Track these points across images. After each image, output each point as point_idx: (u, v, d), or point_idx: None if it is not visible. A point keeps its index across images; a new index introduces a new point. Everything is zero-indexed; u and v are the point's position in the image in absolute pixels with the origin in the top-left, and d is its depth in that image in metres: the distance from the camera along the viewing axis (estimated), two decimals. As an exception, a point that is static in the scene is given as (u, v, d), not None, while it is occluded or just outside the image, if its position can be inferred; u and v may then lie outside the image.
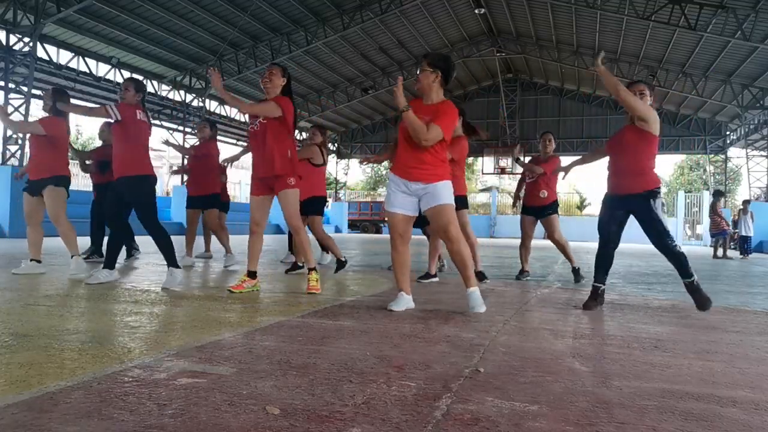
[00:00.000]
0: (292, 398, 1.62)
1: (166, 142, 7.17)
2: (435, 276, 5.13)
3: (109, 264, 4.25)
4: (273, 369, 1.92)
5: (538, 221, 5.74)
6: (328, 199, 19.45)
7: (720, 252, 12.61)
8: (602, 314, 3.48)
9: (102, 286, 4.05)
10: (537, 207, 5.65)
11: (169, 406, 1.52)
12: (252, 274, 3.97)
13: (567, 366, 2.12)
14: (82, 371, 1.82)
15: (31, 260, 4.80)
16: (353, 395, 1.66)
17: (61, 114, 4.76)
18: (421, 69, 3.32)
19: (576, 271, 5.55)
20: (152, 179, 4.29)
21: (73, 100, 5.15)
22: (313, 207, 5.77)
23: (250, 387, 1.71)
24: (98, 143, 7.36)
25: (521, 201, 5.95)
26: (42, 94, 4.84)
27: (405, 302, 3.37)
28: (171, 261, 4.17)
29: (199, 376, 1.80)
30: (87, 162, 6.55)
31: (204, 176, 6.27)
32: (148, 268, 5.65)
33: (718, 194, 13.36)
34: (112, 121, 4.18)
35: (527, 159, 7.93)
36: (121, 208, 4.30)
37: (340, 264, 5.47)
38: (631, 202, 3.48)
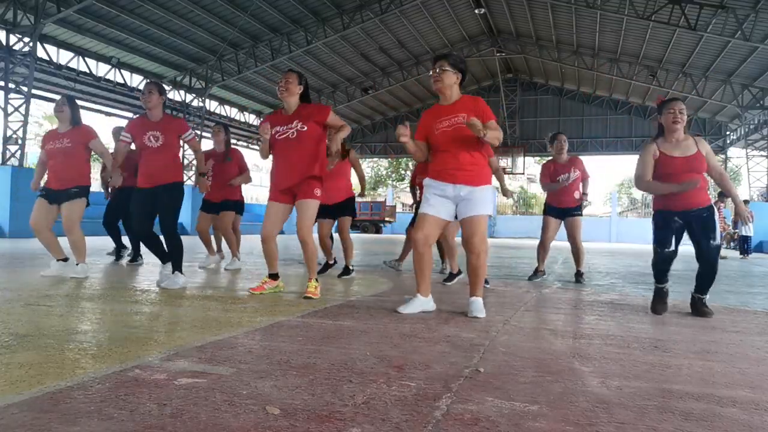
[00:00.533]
0: (292, 398, 1.62)
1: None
2: (460, 273, 5.00)
3: (179, 267, 4.25)
4: (273, 369, 1.92)
5: (559, 225, 5.76)
6: None
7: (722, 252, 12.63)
8: (602, 314, 3.48)
9: (102, 286, 4.07)
10: (565, 208, 5.66)
11: (169, 406, 1.52)
12: (273, 276, 3.96)
13: (567, 366, 2.12)
14: (82, 371, 1.82)
15: (57, 260, 4.72)
16: (353, 395, 1.66)
17: (80, 121, 4.76)
18: (442, 69, 3.30)
19: (579, 275, 5.58)
20: (183, 185, 4.39)
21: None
22: (349, 208, 5.60)
23: (250, 387, 1.71)
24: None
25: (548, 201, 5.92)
26: (59, 101, 4.74)
27: (419, 305, 3.31)
28: (177, 265, 4.22)
29: (199, 376, 1.80)
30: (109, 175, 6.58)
31: (225, 182, 6.01)
32: (147, 268, 5.65)
33: (722, 196, 13.38)
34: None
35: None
36: (152, 218, 4.30)
37: (346, 271, 5.35)
38: (694, 215, 3.57)
